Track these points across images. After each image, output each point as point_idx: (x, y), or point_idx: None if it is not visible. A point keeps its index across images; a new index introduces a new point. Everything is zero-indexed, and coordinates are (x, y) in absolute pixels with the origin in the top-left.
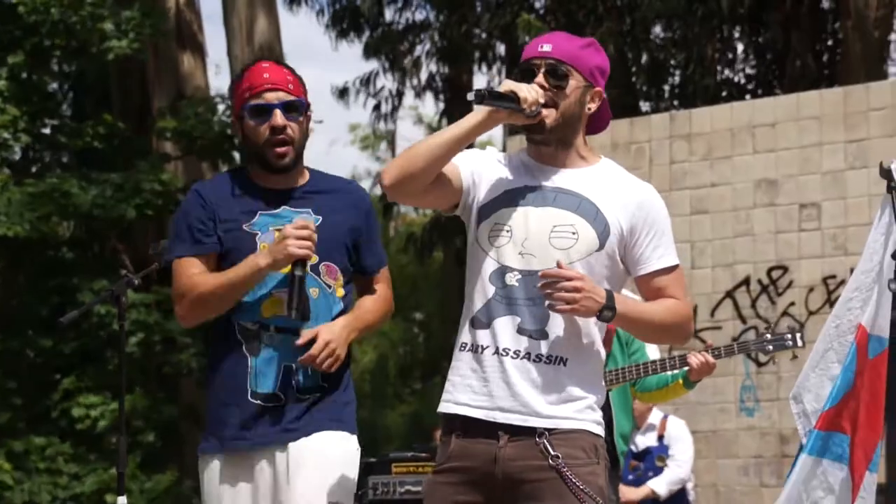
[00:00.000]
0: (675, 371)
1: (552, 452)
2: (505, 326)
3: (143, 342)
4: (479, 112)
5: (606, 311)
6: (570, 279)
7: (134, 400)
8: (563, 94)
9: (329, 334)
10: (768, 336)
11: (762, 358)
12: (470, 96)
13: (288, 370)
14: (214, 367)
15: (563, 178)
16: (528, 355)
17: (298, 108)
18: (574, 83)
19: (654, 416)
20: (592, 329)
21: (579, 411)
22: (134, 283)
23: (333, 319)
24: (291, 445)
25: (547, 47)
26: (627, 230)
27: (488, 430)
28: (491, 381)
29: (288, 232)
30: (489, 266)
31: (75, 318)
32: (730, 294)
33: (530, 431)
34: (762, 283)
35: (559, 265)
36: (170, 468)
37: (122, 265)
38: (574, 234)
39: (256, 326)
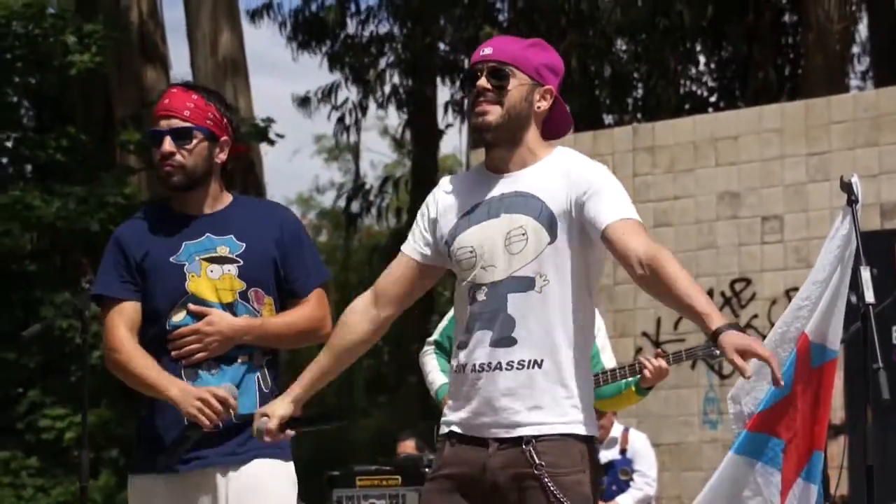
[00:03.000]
0: (629, 378)
1: (537, 461)
2: (479, 342)
3: None
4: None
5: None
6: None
7: (100, 413)
8: (505, 92)
9: (212, 326)
10: None
11: (725, 370)
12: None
13: None
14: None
15: (513, 182)
16: (499, 365)
17: (187, 135)
18: (516, 82)
19: (616, 430)
20: (568, 323)
21: (562, 413)
22: None
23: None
24: (232, 473)
25: (488, 50)
26: (571, 208)
27: (479, 440)
28: (473, 398)
29: (206, 396)
30: (464, 289)
31: (37, 333)
32: None
33: (518, 439)
34: (725, 295)
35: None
36: None
37: (87, 278)
38: (524, 234)
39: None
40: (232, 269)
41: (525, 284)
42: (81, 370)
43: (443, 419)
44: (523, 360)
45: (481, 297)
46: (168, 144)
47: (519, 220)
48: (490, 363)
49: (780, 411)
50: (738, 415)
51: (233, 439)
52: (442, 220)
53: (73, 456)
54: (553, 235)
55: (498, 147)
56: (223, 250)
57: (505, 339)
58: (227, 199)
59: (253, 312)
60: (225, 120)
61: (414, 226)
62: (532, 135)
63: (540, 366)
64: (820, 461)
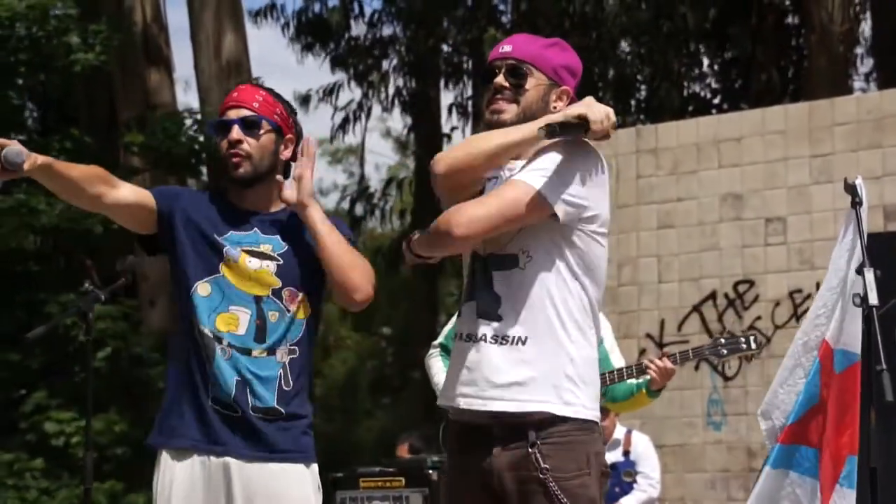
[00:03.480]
0: (640, 380)
1: (542, 465)
2: (468, 312)
3: (111, 356)
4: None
5: None
6: None
7: (107, 419)
8: (522, 90)
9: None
10: (722, 340)
11: (729, 371)
12: (540, 133)
13: (243, 385)
14: (175, 366)
15: (511, 169)
16: (484, 337)
17: (256, 125)
18: (534, 81)
19: (619, 432)
20: (554, 302)
21: (543, 390)
22: (101, 298)
23: (292, 345)
24: (250, 472)
25: (507, 48)
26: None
27: (484, 438)
28: (461, 366)
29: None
30: (466, 257)
31: (41, 335)
32: (696, 308)
33: (523, 439)
34: (728, 297)
35: None
36: (144, 491)
37: (91, 280)
38: None
39: (212, 336)
40: (271, 265)
41: (509, 261)
42: (84, 372)
43: (439, 386)
44: (507, 336)
45: (477, 268)
46: (236, 132)
47: None
48: (476, 335)
49: (811, 420)
50: (771, 430)
51: (255, 436)
52: None
53: (79, 458)
54: None
55: None
56: (266, 248)
57: (490, 314)
58: (282, 203)
59: (283, 311)
60: (291, 120)
61: None
62: None
63: (523, 342)
64: (855, 465)
